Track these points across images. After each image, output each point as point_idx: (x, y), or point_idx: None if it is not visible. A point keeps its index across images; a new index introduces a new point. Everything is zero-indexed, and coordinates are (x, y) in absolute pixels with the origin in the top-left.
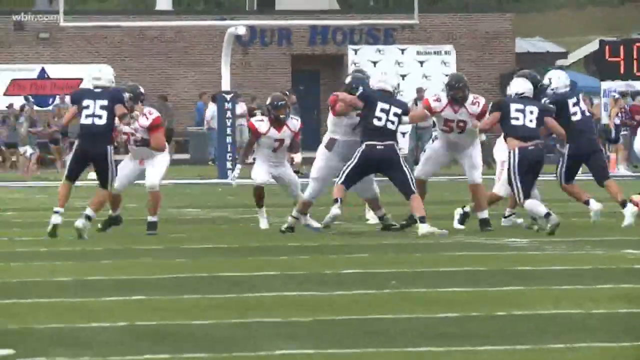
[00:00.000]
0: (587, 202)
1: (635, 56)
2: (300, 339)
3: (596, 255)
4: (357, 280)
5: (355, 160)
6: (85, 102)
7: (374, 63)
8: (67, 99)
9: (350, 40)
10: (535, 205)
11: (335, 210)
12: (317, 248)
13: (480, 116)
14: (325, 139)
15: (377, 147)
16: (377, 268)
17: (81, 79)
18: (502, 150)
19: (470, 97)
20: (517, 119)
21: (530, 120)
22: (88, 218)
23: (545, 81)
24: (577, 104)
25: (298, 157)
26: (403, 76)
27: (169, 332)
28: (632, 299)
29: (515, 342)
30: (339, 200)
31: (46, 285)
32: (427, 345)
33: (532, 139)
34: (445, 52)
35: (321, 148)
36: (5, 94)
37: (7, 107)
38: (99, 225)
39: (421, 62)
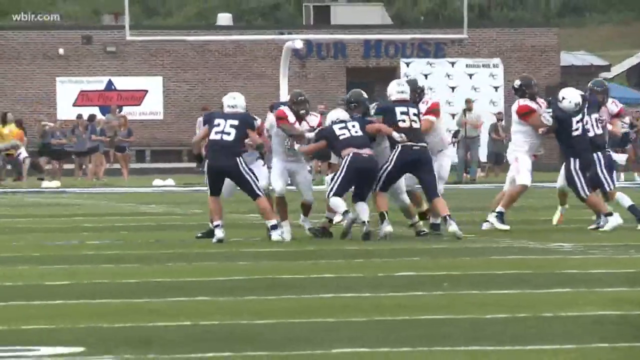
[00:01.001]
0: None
1: None
2: (355, 339)
3: None
4: (410, 283)
5: (392, 163)
6: (217, 121)
7: (425, 75)
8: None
9: (402, 53)
10: (339, 203)
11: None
12: (371, 252)
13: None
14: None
15: (413, 147)
16: (429, 271)
17: (146, 91)
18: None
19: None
20: (343, 134)
21: (356, 132)
22: (274, 227)
23: (559, 96)
24: (580, 121)
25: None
26: (453, 88)
27: (229, 332)
28: None
29: (561, 342)
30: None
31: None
32: (477, 345)
33: (364, 147)
34: (494, 65)
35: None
36: (74, 105)
37: (76, 117)
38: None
39: (470, 75)
